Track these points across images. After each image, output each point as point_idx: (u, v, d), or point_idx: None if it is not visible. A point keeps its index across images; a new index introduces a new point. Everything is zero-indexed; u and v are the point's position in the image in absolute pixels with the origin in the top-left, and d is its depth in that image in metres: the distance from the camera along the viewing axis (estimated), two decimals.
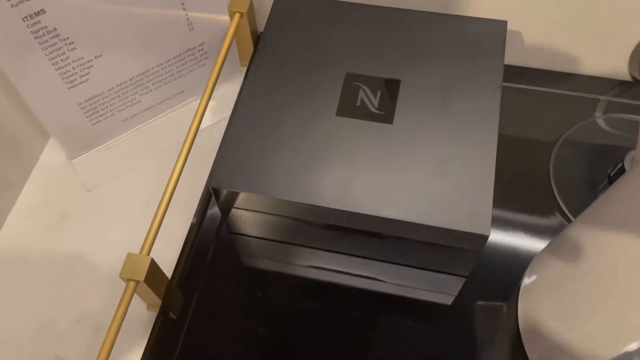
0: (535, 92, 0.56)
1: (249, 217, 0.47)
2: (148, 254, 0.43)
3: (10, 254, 0.51)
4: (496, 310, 0.46)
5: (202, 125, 0.56)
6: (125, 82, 0.52)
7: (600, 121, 0.54)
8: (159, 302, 0.46)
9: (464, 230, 0.41)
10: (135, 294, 0.42)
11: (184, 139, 0.48)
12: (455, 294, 0.47)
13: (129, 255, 0.42)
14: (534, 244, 0.48)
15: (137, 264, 0.42)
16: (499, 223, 0.49)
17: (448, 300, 0.47)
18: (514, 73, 0.57)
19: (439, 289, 0.47)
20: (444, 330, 0.46)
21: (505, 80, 0.53)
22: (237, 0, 0.55)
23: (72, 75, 0.48)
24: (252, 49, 0.59)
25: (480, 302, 0.46)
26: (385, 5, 0.53)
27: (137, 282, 0.42)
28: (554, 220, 0.49)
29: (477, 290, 0.46)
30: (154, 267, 0.43)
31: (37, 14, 0.42)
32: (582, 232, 0.39)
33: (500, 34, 0.50)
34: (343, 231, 0.46)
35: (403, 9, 0.52)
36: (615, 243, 0.34)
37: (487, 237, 0.41)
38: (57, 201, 0.54)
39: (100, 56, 0.48)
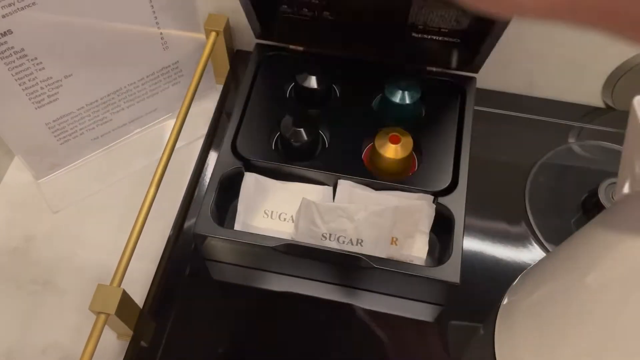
0: (511, 117, 0.57)
1: (224, 245, 0.45)
2: (119, 285, 0.41)
3: None
4: (473, 337, 0.46)
5: (182, 141, 0.55)
6: (96, 101, 0.50)
7: (576, 147, 0.55)
8: (130, 332, 0.45)
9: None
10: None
11: (159, 158, 0.46)
12: (432, 320, 0.47)
13: (100, 286, 0.41)
14: (509, 270, 0.48)
15: (107, 296, 0.41)
16: (475, 251, 0.49)
17: (425, 327, 0.47)
18: (489, 98, 0.57)
19: (416, 317, 0.47)
20: (421, 357, 0.45)
21: (481, 104, 0.54)
22: (213, 19, 0.53)
23: (39, 95, 0.46)
24: (227, 66, 0.58)
25: (457, 329, 0.46)
26: None
27: (108, 315, 0.40)
28: (529, 246, 0.49)
29: (454, 318, 0.47)
30: (125, 299, 0.41)
31: (4, 34, 0.40)
32: (557, 265, 0.40)
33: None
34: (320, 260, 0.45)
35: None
36: (590, 280, 0.35)
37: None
38: (23, 223, 0.52)
39: (70, 76, 0.46)
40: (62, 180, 0.53)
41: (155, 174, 0.46)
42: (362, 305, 0.47)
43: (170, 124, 0.50)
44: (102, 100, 0.50)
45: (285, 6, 0.49)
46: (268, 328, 0.47)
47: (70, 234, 0.51)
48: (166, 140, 0.48)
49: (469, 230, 0.49)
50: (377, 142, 0.46)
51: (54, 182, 0.53)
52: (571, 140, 0.56)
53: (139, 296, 0.46)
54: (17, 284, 0.48)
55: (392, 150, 0.45)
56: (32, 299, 0.48)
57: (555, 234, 0.50)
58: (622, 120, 0.58)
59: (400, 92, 0.48)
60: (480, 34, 0.46)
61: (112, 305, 0.40)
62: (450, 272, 0.42)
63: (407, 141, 0.46)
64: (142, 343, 0.46)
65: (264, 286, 0.48)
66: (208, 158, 0.54)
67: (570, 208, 0.52)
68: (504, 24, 0.44)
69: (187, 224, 0.50)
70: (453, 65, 0.51)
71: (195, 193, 0.52)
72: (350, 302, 0.47)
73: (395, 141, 0.45)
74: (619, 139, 0.56)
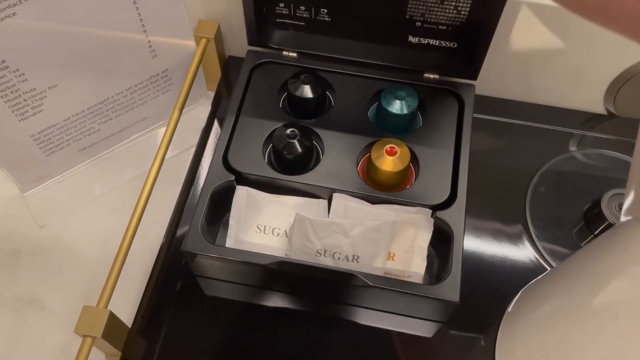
0: (511, 124, 0.55)
1: (215, 262, 0.44)
2: (106, 306, 0.40)
3: None
4: (474, 352, 0.45)
5: (173, 152, 0.54)
6: (83, 111, 0.48)
7: (577, 155, 0.54)
8: (118, 353, 0.43)
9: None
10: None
11: (149, 168, 0.45)
12: (431, 336, 0.45)
13: (85, 308, 0.39)
14: (510, 284, 0.47)
15: (94, 318, 0.39)
16: (475, 264, 0.47)
17: (424, 343, 0.45)
18: (489, 105, 0.56)
19: (414, 333, 0.45)
20: None
21: (481, 111, 0.52)
22: (204, 25, 0.52)
23: (23, 107, 0.44)
24: (219, 73, 0.56)
25: (456, 345, 0.45)
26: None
27: (94, 338, 0.39)
28: (530, 259, 0.48)
29: (454, 333, 0.45)
30: (112, 320, 0.40)
31: None
32: (562, 282, 0.38)
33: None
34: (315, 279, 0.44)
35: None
36: (598, 302, 0.33)
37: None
38: (7, 237, 0.50)
39: (54, 87, 0.45)
40: (48, 193, 0.51)
41: (144, 187, 0.44)
42: (358, 322, 0.45)
43: (160, 132, 0.48)
44: (89, 110, 0.49)
45: (282, 6, 0.47)
46: (261, 346, 0.45)
47: (56, 249, 0.49)
48: (157, 150, 0.46)
49: (468, 242, 0.48)
50: (374, 154, 0.44)
51: (40, 195, 0.51)
52: (572, 148, 0.54)
53: (128, 314, 0.45)
54: (1, 301, 0.47)
55: (389, 163, 0.44)
56: (17, 318, 0.46)
57: (557, 247, 0.49)
58: (625, 127, 0.58)
59: (397, 101, 0.46)
60: (476, 36, 0.45)
61: (99, 328, 0.39)
62: (450, 290, 0.40)
63: (404, 153, 0.44)
64: None
65: (257, 303, 0.46)
66: (200, 168, 0.52)
67: (572, 219, 0.50)
68: (496, 22, 0.43)
69: (177, 238, 0.49)
70: (451, 70, 0.49)
71: (186, 205, 0.50)
72: (346, 318, 0.46)
73: (392, 153, 0.44)
74: (622, 146, 0.54)
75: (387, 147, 0.44)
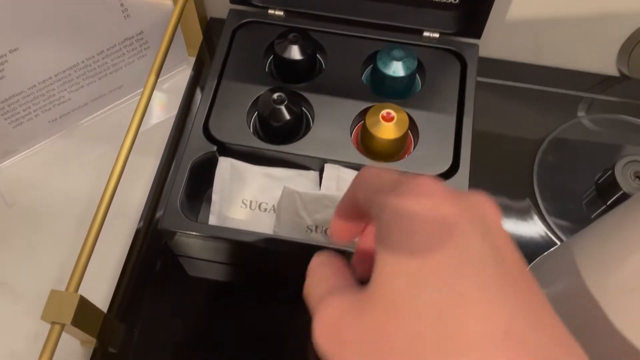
0: (517, 88, 0.51)
1: (196, 241, 0.40)
2: (76, 290, 0.36)
3: None
4: None
5: (151, 122, 0.50)
6: (50, 78, 0.44)
7: (587, 121, 0.50)
8: (93, 340, 0.40)
9: None
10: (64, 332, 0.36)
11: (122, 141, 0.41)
12: None
13: (53, 292, 0.36)
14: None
15: (62, 304, 0.35)
16: None
17: None
18: (493, 67, 0.52)
19: None
20: None
21: (484, 74, 0.48)
22: None
23: None
24: (200, 36, 0.52)
25: None
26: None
27: (63, 325, 0.35)
28: (538, 233, 0.45)
29: None
30: (83, 305, 0.36)
31: None
32: (575, 259, 0.35)
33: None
34: None
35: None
36: (616, 281, 0.30)
37: None
38: None
39: (15, 50, 0.41)
40: (17, 169, 0.48)
41: (117, 159, 0.40)
42: None
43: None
44: (57, 77, 0.45)
45: None
46: (249, 329, 0.42)
47: (27, 230, 0.45)
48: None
49: None
50: (368, 121, 0.40)
51: (8, 171, 0.47)
52: (582, 113, 0.50)
53: (103, 298, 0.41)
54: None
55: (385, 130, 0.40)
56: None
57: (567, 219, 0.45)
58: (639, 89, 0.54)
59: (394, 62, 0.42)
60: None
61: (68, 314, 0.35)
62: None
63: (402, 119, 0.40)
64: (110, 349, 0.41)
65: (244, 283, 0.43)
66: (181, 139, 0.48)
67: (582, 189, 0.47)
68: None
69: (157, 216, 0.45)
70: (452, 28, 0.45)
71: (167, 180, 0.47)
72: None
73: (388, 119, 0.40)
74: (636, 110, 0.51)
75: (383, 112, 0.40)
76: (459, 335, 0.17)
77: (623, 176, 0.44)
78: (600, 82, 0.52)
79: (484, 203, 0.21)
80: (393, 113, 0.40)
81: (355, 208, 0.24)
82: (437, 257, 0.19)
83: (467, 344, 0.17)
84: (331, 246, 0.38)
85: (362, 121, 0.41)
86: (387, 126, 0.40)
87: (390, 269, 0.19)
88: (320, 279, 0.23)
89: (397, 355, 0.18)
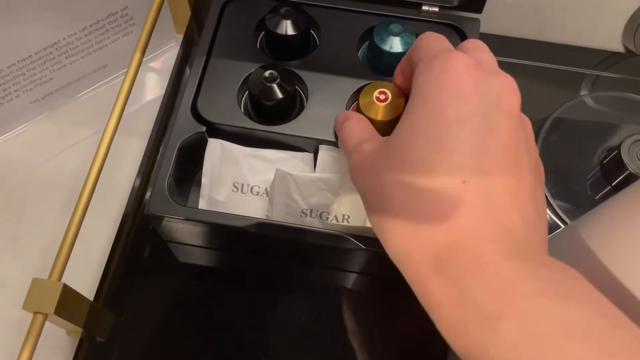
0: (520, 65, 0.49)
1: (186, 226, 0.39)
2: (59, 278, 0.35)
3: None
4: None
5: (138, 102, 0.48)
6: (30, 56, 0.42)
7: (593, 98, 0.48)
8: (79, 329, 0.38)
9: None
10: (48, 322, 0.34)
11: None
12: None
13: (35, 281, 0.34)
14: None
15: (44, 293, 0.34)
16: None
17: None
18: (494, 43, 0.49)
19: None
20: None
21: None
22: None
23: None
24: (188, 12, 0.50)
25: None
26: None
27: (46, 314, 0.34)
28: None
29: None
30: (67, 294, 0.35)
31: None
32: (582, 243, 0.33)
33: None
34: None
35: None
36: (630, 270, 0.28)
37: None
38: None
39: None
40: None
41: (102, 141, 0.38)
42: (350, 288, 0.41)
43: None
44: (38, 55, 0.42)
45: None
46: (241, 317, 0.40)
47: (9, 216, 0.44)
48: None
49: None
50: (362, 101, 0.38)
51: None
52: (586, 91, 0.49)
53: (89, 286, 0.40)
54: None
55: (379, 111, 0.37)
56: None
57: (571, 201, 0.44)
58: None
59: (392, 38, 0.40)
60: None
61: (51, 303, 0.34)
62: None
63: (398, 99, 0.37)
64: (98, 338, 0.40)
65: (236, 270, 0.41)
66: (169, 122, 0.47)
67: (587, 170, 0.45)
68: None
69: (145, 201, 0.43)
70: (452, 2, 0.43)
71: (155, 163, 0.45)
72: (336, 285, 0.41)
73: (382, 99, 0.37)
74: None
75: (377, 92, 0.37)
76: (443, 155, 0.25)
77: (630, 156, 0.43)
78: (604, 58, 0.50)
79: (503, 86, 0.26)
80: (388, 93, 0.37)
81: (410, 68, 0.30)
82: (438, 116, 0.26)
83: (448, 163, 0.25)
84: (327, 231, 0.36)
85: (357, 101, 0.39)
86: (382, 107, 0.37)
87: (409, 118, 0.27)
88: (352, 131, 0.32)
89: (413, 167, 0.25)
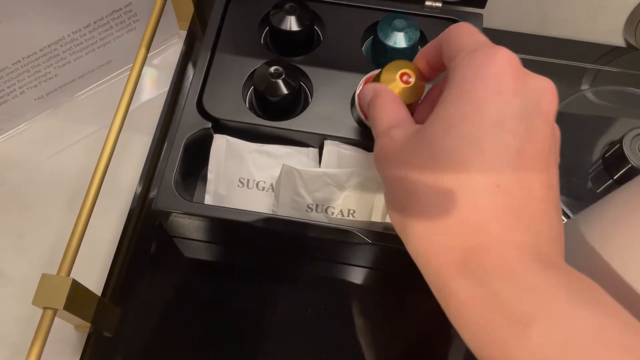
0: (522, 60, 0.49)
1: (192, 221, 0.39)
2: (68, 274, 0.35)
3: None
4: None
5: (142, 98, 0.48)
6: (35, 53, 0.42)
7: (594, 92, 0.48)
8: (87, 324, 0.39)
9: None
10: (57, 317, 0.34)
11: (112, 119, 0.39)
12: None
13: (44, 277, 0.34)
14: None
15: (54, 288, 0.34)
16: None
17: (432, 305, 0.41)
18: (497, 38, 0.49)
19: (420, 293, 0.41)
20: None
21: None
22: None
23: None
24: (192, 8, 0.50)
25: None
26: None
27: (56, 310, 0.34)
28: None
29: None
30: (76, 290, 0.35)
31: None
32: (583, 239, 0.34)
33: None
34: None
35: None
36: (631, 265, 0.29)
37: None
38: None
39: None
40: (4, 148, 0.46)
41: (108, 137, 0.39)
42: (355, 282, 0.41)
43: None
44: (42, 52, 0.43)
45: None
46: (247, 312, 0.41)
47: (15, 211, 0.44)
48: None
49: None
50: (385, 76, 0.33)
51: None
52: (587, 85, 0.49)
53: (97, 282, 0.40)
54: None
55: (402, 93, 0.33)
56: None
57: (573, 195, 0.44)
58: None
59: (396, 33, 0.40)
60: None
61: (60, 299, 0.34)
62: None
63: (420, 82, 0.33)
64: (106, 333, 0.40)
65: (242, 265, 0.42)
66: (174, 118, 0.47)
67: (589, 164, 0.45)
68: None
69: (151, 196, 0.44)
70: None
71: (160, 159, 0.45)
72: (342, 279, 0.41)
73: (406, 81, 0.33)
74: None
75: (401, 72, 0.33)
76: (472, 154, 0.24)
77: (631, 149, 0.43)
78: (605, 53, 0.51)
79: (543, 89, 0.26)
80: (412, 76, 0.33)
81: (436, 56, 0.29)
82: (476, 112, 0.24)
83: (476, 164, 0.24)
84: (333, 225, 0.36)
85: (379, 74, 0.34)
86: (405, 89, 0.33)
87: (444, 111, 0.25)
88: (384, 111, 0.29)
89: (444, 162, 0.24)
